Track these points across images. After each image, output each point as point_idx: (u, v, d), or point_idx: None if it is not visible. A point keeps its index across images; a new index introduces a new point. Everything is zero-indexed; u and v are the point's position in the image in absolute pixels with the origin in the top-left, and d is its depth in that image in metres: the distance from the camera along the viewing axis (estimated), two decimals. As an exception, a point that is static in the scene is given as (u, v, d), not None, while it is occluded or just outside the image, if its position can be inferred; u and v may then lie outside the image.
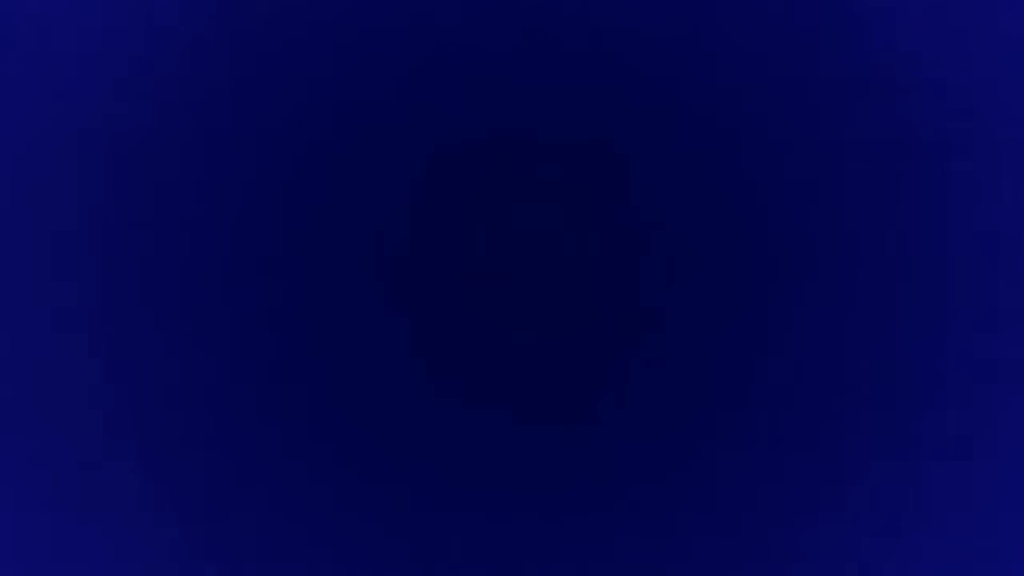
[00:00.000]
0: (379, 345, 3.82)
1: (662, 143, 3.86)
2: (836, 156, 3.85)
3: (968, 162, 3.84)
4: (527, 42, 3.85)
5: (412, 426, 3.81)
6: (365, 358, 3.82)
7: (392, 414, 3.81)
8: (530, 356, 3.81)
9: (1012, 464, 3.78)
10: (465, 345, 3.82)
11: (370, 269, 3.84)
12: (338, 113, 3.87)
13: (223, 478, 3.78)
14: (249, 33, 3.88)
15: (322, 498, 3.79)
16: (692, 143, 3.86)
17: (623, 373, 3.80)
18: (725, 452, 3.79)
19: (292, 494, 3.79)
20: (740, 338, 3.81)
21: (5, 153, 3.86)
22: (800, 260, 3.82)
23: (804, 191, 3.84)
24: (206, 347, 3.81)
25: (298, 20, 3.88)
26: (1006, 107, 3.85)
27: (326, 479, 3.79)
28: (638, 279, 3.82)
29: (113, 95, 3.87)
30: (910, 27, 3.87)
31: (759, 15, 3.86)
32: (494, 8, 3.86)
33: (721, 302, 3.82)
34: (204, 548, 3.78)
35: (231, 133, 3.86)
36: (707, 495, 3.78)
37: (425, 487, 3.79)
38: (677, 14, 3.86)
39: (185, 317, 3.82)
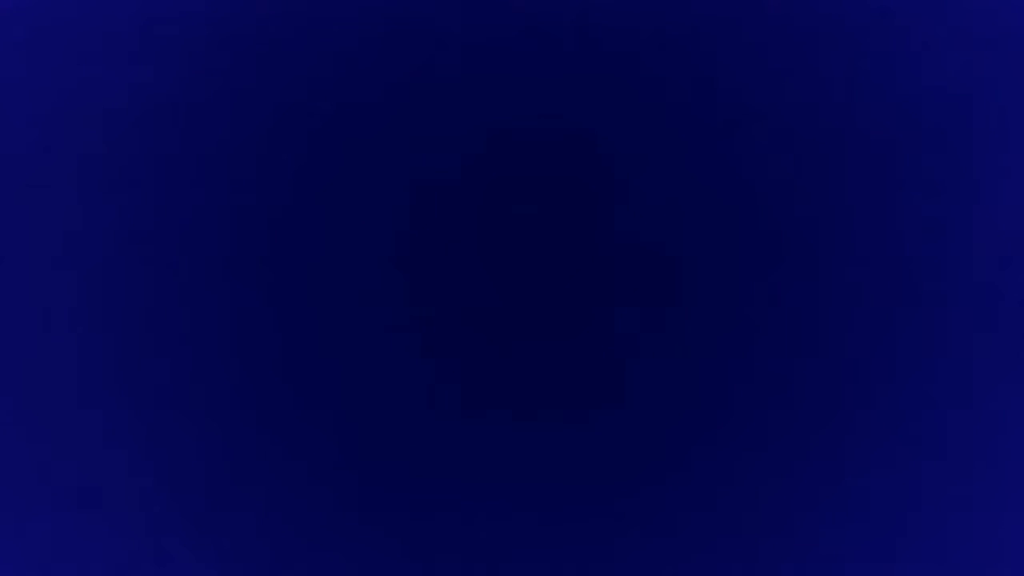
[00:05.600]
0: (378, 346, 3.83)
1: (661, 144, 3.86)
2: (836, 156, 3.85)
3: (968, 162, 3.85)
4: (527, 42, 3.86)
5: (412, 427, 3.81)
6: (365, 359, 3.83)
7: (392, 415, 3.82)
8: (529, 356, 3.82)
9: (1012, 464, 3.78)
10: (464, 346, 3.82)
11: (369, 269, 3.85)
12: (337, 114, 3.88)
13: (223, 478, 3.79)
14: (249, 32, 3.89)
15: (322, 498, 3.80)
16: (691, 143, 3.86)
17: (623, 373, 3.81)
18: (724, 453, 3.80)
19: (292, 494, 3.79)
20: (740, 338, 3.81)
21: (5, 152, 3.87)
22: (800, 260, 3.83)
23: (804, 191, 3.84)
24: (207, 348, 3.82)
25: (298, 21, 3.89)
26: (1006, 107, 3.86)
27: (325, 479, 3.80)
28: (638, 280, 3.83)
29: (114, 93, 3.88)
30: (910, 27, 3.88)
31: (759, 15, 3.87)
32: (494, 8, 3.87)
33: (721, 302, 3.82)
34: (204, 548, 3.78)
35: (232, 132, 3.87)
36: (707, 495, 3.79)
37: (425, 487, 3.80)
38: (676, 14, 3.87)
39: (186, 318, 3.83)
